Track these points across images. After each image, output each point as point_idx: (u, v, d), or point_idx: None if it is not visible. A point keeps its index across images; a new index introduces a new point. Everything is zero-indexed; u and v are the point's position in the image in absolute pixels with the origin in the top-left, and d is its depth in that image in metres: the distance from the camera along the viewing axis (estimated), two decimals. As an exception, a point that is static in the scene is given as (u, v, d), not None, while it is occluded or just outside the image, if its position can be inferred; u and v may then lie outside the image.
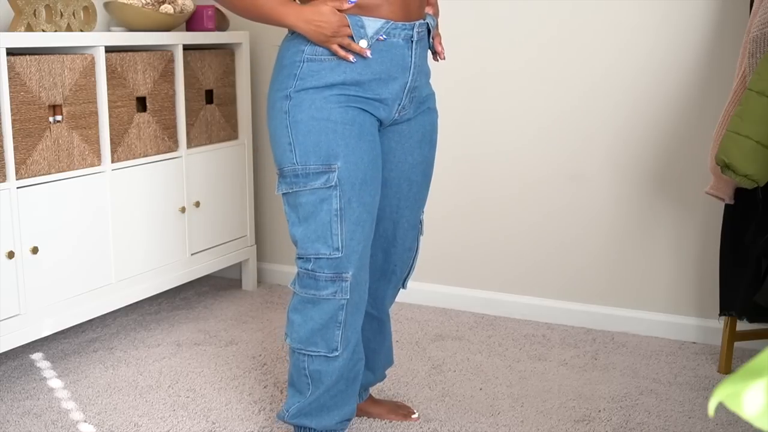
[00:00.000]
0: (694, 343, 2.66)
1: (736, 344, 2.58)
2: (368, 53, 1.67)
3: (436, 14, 1.87)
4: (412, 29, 1.72)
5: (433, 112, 1.89)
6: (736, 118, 2.07)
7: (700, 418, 2.13)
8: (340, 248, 1.72)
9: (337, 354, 1.79)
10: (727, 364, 2.41)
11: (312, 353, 1.80)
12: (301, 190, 1.72)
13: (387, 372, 2.27)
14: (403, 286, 2.00)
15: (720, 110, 2.52)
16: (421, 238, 1.97)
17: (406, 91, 1.75)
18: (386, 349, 2.07)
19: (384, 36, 1.68)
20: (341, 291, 1.74)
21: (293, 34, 1.73)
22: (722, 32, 2.51)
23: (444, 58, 1.88)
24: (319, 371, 1.81)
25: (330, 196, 1.70)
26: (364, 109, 1.72)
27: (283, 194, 1.77)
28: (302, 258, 1.76)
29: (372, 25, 1.67)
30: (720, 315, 2.43)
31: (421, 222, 1.95)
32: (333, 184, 1.70)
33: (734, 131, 2.07)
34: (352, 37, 1.66)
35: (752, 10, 2.18)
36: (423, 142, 1.87)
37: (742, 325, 2.54)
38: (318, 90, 1.69)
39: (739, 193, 2.33)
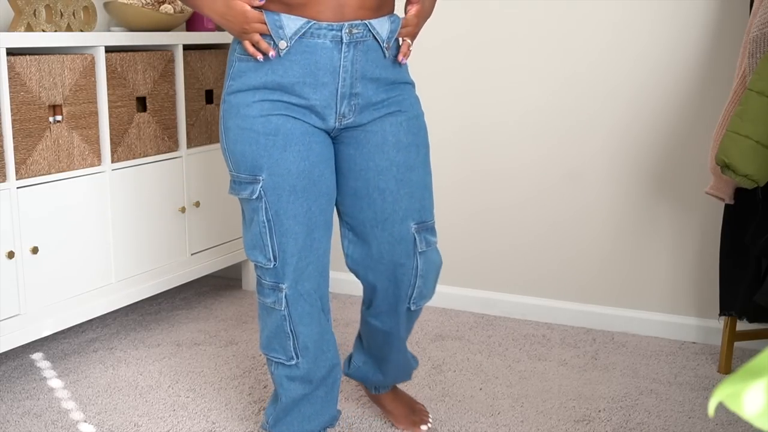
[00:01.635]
0: (694, 343, 2.66)
1: (736, 344, 2.58)
2: (272, 53, 1.60)
3: (420, 14, 1.73)
4: (341, 30, 1.60)
5: (399, 114, 1.73)
6: (736, 118, 2.07)
7: (700, 418, 2.13)
8: (272, 259, 1.70)
9: (294, 362, 1.77)
10: (727, 364, 2.41)
11: (273, 359, 1.80)
12: (240, 198, 1.72)
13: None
14: (408, 307, 1.83)
15: (720, 110, 2.52)
16: (428, 254, 1.80)
17: (338, 97, 1.65)
18: (397, 361, 1.96)
19: (303, 37, 1.59)
20: (278, 302, 1.73)
21: None
22: (722, 32, 2.51)
23: (401, 62, 1.71)
24: (282, 377, 1.80)
25: (258, 207, 1.68)
26: (293, 117, 1.65)
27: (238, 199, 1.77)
28: (254, 264, 1.76)
29: (291, 24, 1.58)
30: (720, 315, 2.43)
31: (414, 236, 1.76)
32: (257, 195, 1.67)
33: (734, 131, 2.07)
34: (271, 36, 1.59)
35: (752, 10, 2.18)
36: (385, 146, 1.72)
37: (742, 325, 2.55)
38: (244, 93, 1.64)
39: (739, 193, 2.33)
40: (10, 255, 2.18)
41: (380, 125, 1.72)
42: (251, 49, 1.61)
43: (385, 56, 1.69)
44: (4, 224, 2.17)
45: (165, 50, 2.68)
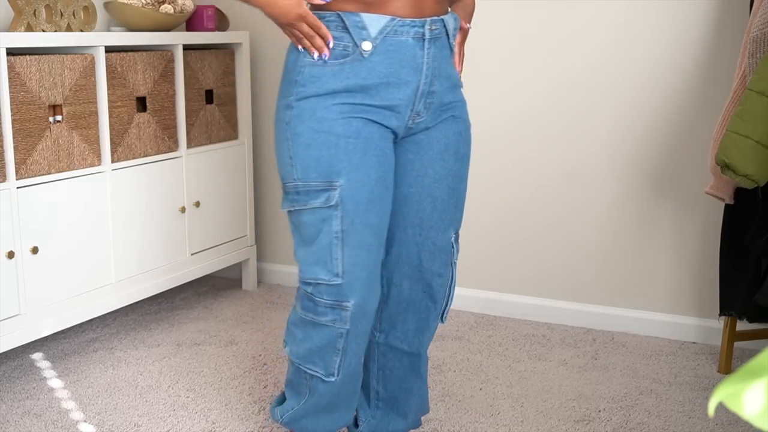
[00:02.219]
0: (694, 343, 2.66)
1: (736, 344, 2.58)
2: (326, 53, 1.52)
3: (465, 16, 1.71)
4: (423, 26, 1.54)
5: (459, 121, 1.68)
6: (736, 118, 2.07)
7: (700, 418, 2.13)
8: (340, 274, 1.57)
9: (333, 379, 1.67)
10: (727, 364, 2.41)
11: (309, 371, 1.68)
12: (303, 209, 1.57)
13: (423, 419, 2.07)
14: (441, 319, 1.78)
15: (720, 110, 2.52)
16: (456, 266, 1.76)
17: (418, 95, 1.58)
18: (420, 390, 1.86)
19: (387, 35, 1.52)
20: (341, 320, 1.60)
21: None
22: (722, 32, 2.51)
23: (458, 71, 1.67)
24: (316, 388, 1.70)
25: (331, 216, 1.55)
26: (372, 120, 1.56)
27: (287, 212, 1.63)
28: (303, 281, 1.63)
29: (375, 23, 1.51)
30: (720, 315, 2.43)
31: (452, 246, 1.72)
32: (334, 203, 1.54)
33: (734, 131, 2.07)
34: (328, 43, 1.53)
35: (752, 10, 2.18)
36: (446, 153, 1.67)
37: (742, 325, 2.55)
38: (320, 98, 1.54)
39: (739, 193, 2.33)
40: (10, 255, 2.18)
41: (444, 132, 1.66)
42: (306, 44, 1.53)
43: (452, 53, 1.65)
44: (4, 224, 2.17)
45: (165, 50, 2.68)
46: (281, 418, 1.80)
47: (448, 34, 1.62)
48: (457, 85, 1.68)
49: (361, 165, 1.54)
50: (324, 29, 1.52)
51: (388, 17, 1.52)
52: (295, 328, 1.69)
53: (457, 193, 1.71)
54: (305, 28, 1.52)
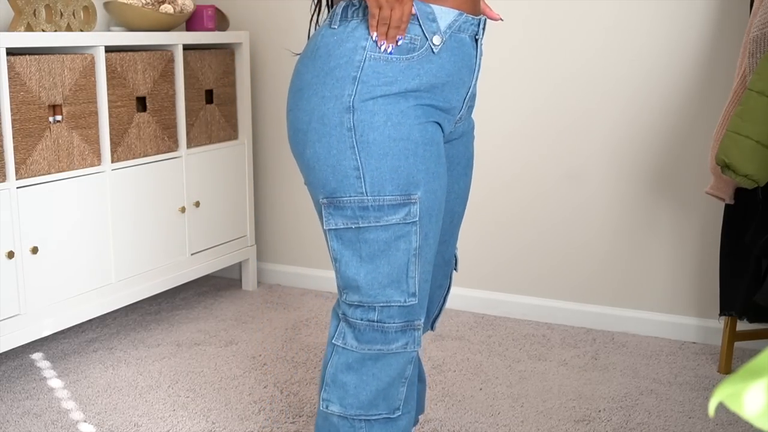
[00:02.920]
0: (694, 343, 2.66)
1: (736, 344, 2.58)
2: (394, 45, 1.34)
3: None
4: (479, 25, 1.43)
5: (472, 131, 1.61)
6: (736, 118, 2.07)
7: (700, 418, 2.13)
8: (415, 293, 1.41)
9: (399, 414, 1.48)
10: (727, 364, 2.41)
11: (372, 417, 1.47)
12: (370, 226, 1.37)
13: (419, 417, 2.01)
14: (432, 327, 1.71)
15: (720, 110, 2.52)
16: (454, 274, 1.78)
17: (468, 97, 1.47)
18: (419, 392, 1.81)
19: (455, 31, 1.39)
20: (413, 342, 1.43)
21: (344, 21, 1.36)
22: (722, 32, 2.51)
23: (501, 18, 1.55)
24: None
25: (409, 232, 1.38)
26: (437, 123, 1.42)
27: (333, 230, 1.40)
28: (363, 306, 1.41)
29: (445, 16, 1.37)
30: (720, 315, 2.43)
31: (455, 257, 1.68)
32: (415, 219, 1.37)
33: (734, 131, 2.07)
34: (422, 30, 1.36)
35: (752, 10, 2.18)
36: (468, 168, 1.59)
37: (742, 325, 2.55)
38: (391, 98, 1.34)
39: (739, 193, 2.33)
40: (10, 255, 2.18)
41: (466, 145, 1.57)
42: (382, 30, 1.32)
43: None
44: (4, 224, 2.17)
45: (165, 50, 2.68)
46: None
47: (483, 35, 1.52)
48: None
49: (436, 174, 1.40)
50: (407, 24, 1.33)
51: (456, 11, 1.38)
52: (349, 374, 1.46)
53: (464, 207, 1.65)
54: (397, 13, 1.31)
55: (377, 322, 1.41)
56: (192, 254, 2.84)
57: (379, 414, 1.46)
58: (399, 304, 1.40)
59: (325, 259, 3.18)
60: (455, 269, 1.71)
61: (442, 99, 1.40)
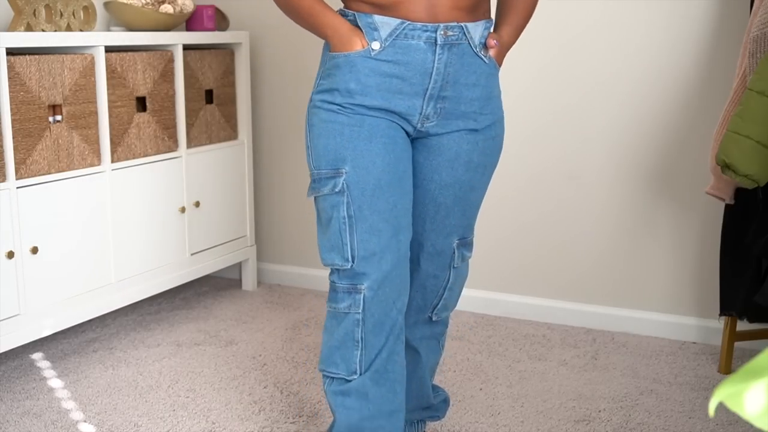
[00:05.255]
0: (694, 343, 2.66)
1: (736, 344, 2.58)
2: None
3: (509, 30, 1.68)
4: (436, 31, 1.54)
5: (478, 134, 1.67)
6: (736, 118, 2.07)
7: (700, 418, 2.13)
8: (349, 259, 1.59)
9: (354, 377, 1.62)
10: (727, 364, 2.41)
11: (332, 374, 1.65)
12: (318, 196, 1.63)
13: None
14: (430, 317, 1.80)
15: (720, 110, 2.52)
16: (460, 271, 1.77)
17: (426, 98, 1.59)
18: (417, 381, 1.86)
19: (397, 38, 1.55)
20: (354, 304, 1.60)
21: None
22: (722, 32, 2.51)
23: (490, 48, 1.63)
24: (337, 395, 1.65)
25: (340, 202, 1.59)
26: (376, 115, 1.59)
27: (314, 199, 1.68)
28: (324, 265, 1.66)
29: (386, 25, 1.54)
30: (720, 315, 2.43)
31: (454, 251, 1.73)
32: (339, 189, 1.58)
33: (734, 131, 2.07)
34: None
35: (752, 10, 2.18)
36: (456, 162, 1.67)
37: (742, 325, 2.54)
38: (331, 92, 1.59)
39: (739, 193, 2.33)
40: (10, 255, 2.18)
41: (457, 141, 1.66)
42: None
43: (484, 62, 1.63)
44: (4, 224, 2.17)
45: (165, 50, 2.68)
46: None
47: (471, 42, 1.59)
48: (491, 97, 1.67)
49: (365, 152, 1.58)
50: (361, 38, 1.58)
51: (398, 20, 1.54)
52: (323, 332, 1.68)
53: (464, 202, 1.71)
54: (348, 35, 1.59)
55: (332, 282, 1.64)
56: (192, 254, 2.84)
57: (338, 373, 1.64)
58: (339, 267, 1.61)
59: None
60: (454, 265, 1.74)
61: (384, 98, 1.58)
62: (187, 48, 2.79)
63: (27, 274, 2.24)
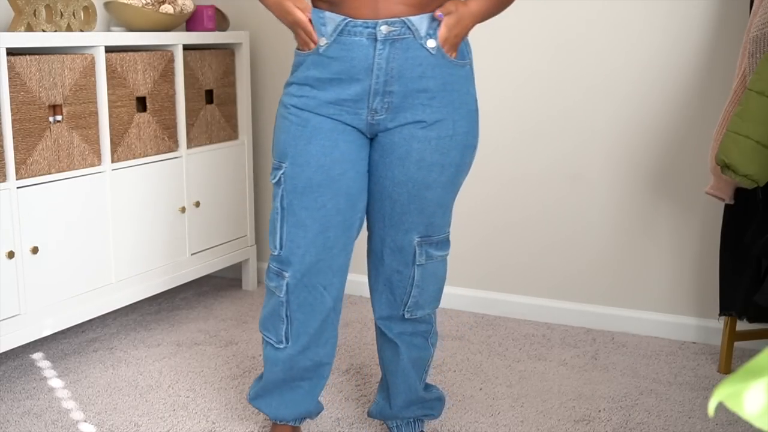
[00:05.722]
0: (694, 343, 2.66)
1: (736, 344, 2.58)
2: (312, 47, 1.65)
3: (451, 25, 1.63)
4: (376, 27, 1.59)
5: (431, 130, 1.67)
6: (736, 118, 2.07)
7: (700, 418, 2.13)
8: (277, 247, 1.75)
9: (282, 347, 1.82)
10: (727, 364, 2.41)
11: (266, 338, 1.85)
12: (272, 182, 1.78)
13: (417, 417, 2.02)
14: (402, 315, 1.83)
15: (720, 110, 2.52)
16: (427, 267, 1.79)
17: (371, 93, 1.64)
18: (401, 374, 1.90)
19: (341, 34, 1.61)
20: (279, 288, 1.77)
21: None
22: (722, 32, 2.51)
23: (438, 16, 1.61)
24: (269, 357, 1.86)
25: (277, 193, 1.74)
26: (322, 114, 1.67)
27: None
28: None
29: (332, 21, 1.62)
30: (720, 315, 2.43)
31: (415, 248, 1.76)
32: (277, 180, 1.73)
33: (734, 131, 2.07)
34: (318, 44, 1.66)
35: (752, 10, 2.18)
36: (407, 160, 1.69)
37: (742, 325, 2.54)
38: (292, 86, 1.71)
39: (739, 193, 2.33)
40: (10, 255, 2.18)
41: (408, 138, 1.68)
42: (302, 38, 1.67)
43: (430, 53, 1.63)
44: (4, 224, 2.17)
45: (165, 50, 2.68)
46: (249, 394, 1.96)
47: (416, 35, 1.60)
48: (448, 89, 1.66)
49: (303, 152, 1.69)
50: (309, 33, 1.66)
51: (342, 17, 1.62)
52: (264, 300, 1.88)
53: (420, 200, 1.72)
54: (298, 29, 1.68)
55: (270, 261, 1.80)
56: (192, 254, 2.84)
57: (270, 338, 1.84)
58: (272, 252, 1.77)
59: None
60: (418, 263, 1.76)
61: (333, 92, 1.66)
62: (187, 48, 2.79)
63: (27, 274, 2.24)
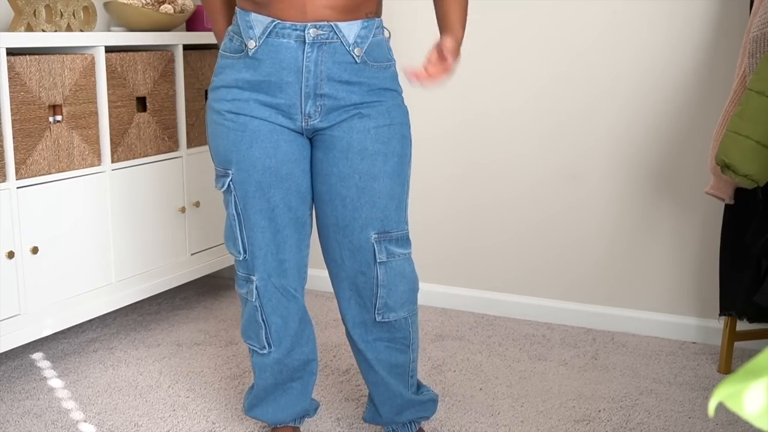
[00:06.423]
0: (694, 343, 2.66)
1: (736, 344, 2.58)
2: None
3: (453, 40, 1.60)
4: (304, 30, 1.60)
5: (368, 119, 1.68)
6: (736, 118, 2.07)
7: (700, 418, 2.13)
8: (241, 251, 1.76)
9: (266, 352, 1.85)
10: (727, 364, 2.41)
11: (249, 346, 1.88)
12: (221, 191, 1.78)
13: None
14: (374, 318, 1.78)
15: (720, 110, 2.52)
16: (391, 265, 1.75)
17: (303, 97, 1.65)
18: (384, 386, 1.86)
19: (269, 36, 1.62)
20: (250, 292, 1.79)
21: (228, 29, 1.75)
22: (722, 32, 2.51)
23: (417, 80, 1.57)
24: (257, 364, 1.88)
25: (229, 200, 1.74)
26: (258, 117, 1.67)
27: None
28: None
29: (260, 24, 1.63)
30: (720, 315, 2.43)
31: (374, 246, 1.72)
32: (227, 188, 1.73)
33: (734, 131, 2.07)
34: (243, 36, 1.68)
35: (752, 10, 2.18)
36: (350, 152, 1.68)
37: (742, 325, 2.55)
38: (221, 90, 1.70)
39: (739, 193, 2.33)
40: (10, 255, 2.18)
41: (347, 131, 1.68)
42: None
43: (355, 61, 1.65)
44: (4, 224, 2.17)
45: (165, 50, 2.68)
46: (244, 406, 1.98)
47: (343, 41, 1.62)
48: (375, 89, 1.68)
49: (247, 156, 1.69)
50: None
51: (270, 19, 1.62)
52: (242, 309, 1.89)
53: (370, 193, 1.70)
54: None
55: (235, 267, 1.81)
56: (192, 254, 2.84)
57: (254, 345, 1.86)
58: (236, 256, 1.78)
59: (322, 259, 3.18)
60: (379, 261, 1.72)
61: (264, 95, 1.66)
62: (187, 48, 2.79)
63: (27, 274, 2.24)
